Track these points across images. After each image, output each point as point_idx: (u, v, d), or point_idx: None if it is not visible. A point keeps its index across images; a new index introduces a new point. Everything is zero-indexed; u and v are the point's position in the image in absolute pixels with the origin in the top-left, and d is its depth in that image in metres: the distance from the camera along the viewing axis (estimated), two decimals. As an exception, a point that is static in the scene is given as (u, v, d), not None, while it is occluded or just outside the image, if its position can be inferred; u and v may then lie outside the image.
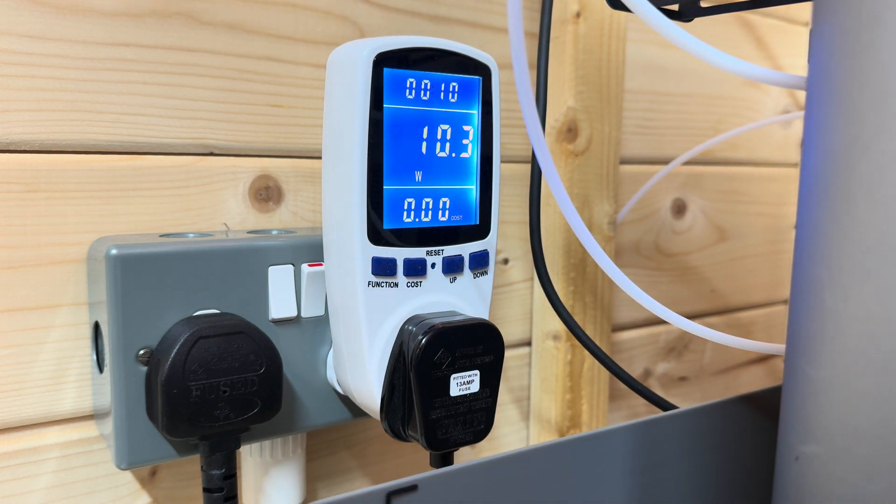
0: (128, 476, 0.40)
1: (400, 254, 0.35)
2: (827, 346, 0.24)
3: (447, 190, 0.36)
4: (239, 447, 0.35)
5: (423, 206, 0.35)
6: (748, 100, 0.67)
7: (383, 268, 0.34)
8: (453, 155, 0.36)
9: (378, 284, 0.34)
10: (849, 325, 0.23)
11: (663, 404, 0.43)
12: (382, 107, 0.33)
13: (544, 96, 0.45)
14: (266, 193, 0.42)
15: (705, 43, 0.27)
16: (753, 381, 0.73)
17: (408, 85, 0.34)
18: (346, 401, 0.40)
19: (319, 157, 0.44)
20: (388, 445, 0.50)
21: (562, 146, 0.52)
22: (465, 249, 0.37)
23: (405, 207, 0.35)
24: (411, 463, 0.51)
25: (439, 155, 0.36)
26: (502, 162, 0.51)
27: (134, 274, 0.33)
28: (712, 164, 0.65)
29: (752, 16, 0.66)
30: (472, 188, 0.37)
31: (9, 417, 0.36)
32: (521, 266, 0.54)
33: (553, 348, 0.53)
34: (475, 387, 0.35)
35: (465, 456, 0.53)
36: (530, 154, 0.50)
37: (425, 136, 0.35)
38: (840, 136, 0.23)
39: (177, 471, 0.41)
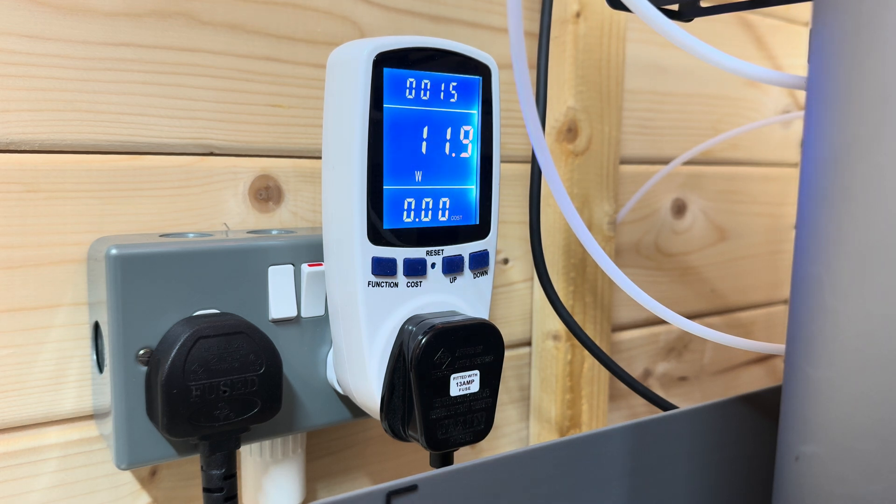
0: (128, 476, 0.40)
1: (400, 254, 0.35)
2: (827, 346, 0.24)
3: (447, 190, 0.36)
4: (239, 447, 0.35)
5: (423, 206, 0.35)
6: (748, 100, 0.67)
7: (383, 268, 0.34)
8: (453, 155, 0.36)
9: (378, 284, 0.34)
10: (849, 325, 0.23)
11: (663, 404, 0.43)
12: (382, 107, 0.33)
13: (544, 96, 0.45)
14: (266, 193, 0.42)
15: (705, 43, 0.27)
16: (753, 381, 0.73)
17: (408, 85, 0.34)
18: (346, 401, 0.40)
19: (319, 157, 0.44)
20: (388, 445, 0.50)
21: (562, 146, 0.52)
22: (465, 249, 0.37)
23: (405, 207, 0.35)
24: (411, 463, 0.51)
25: (439, 155, 0.36)
26: (502, 162, 0.51)
27: (134, 274, 0.33)
28: (712, 164, 0.65)
29: (752, 16, 0.66)
30: (472, 188, 0.37)
31: (9, 417, 0.36)
32: (521, 266, 0.54)
33: (553, 348, 0.53)
34: (475, 387, 0.35)
35: (465, 456, 0.53)
36: (530, 154, 0.50)
37: (425, 135, 0.35)
38: (840, 136, 0.23)
39: (177, 471, 0.41)
